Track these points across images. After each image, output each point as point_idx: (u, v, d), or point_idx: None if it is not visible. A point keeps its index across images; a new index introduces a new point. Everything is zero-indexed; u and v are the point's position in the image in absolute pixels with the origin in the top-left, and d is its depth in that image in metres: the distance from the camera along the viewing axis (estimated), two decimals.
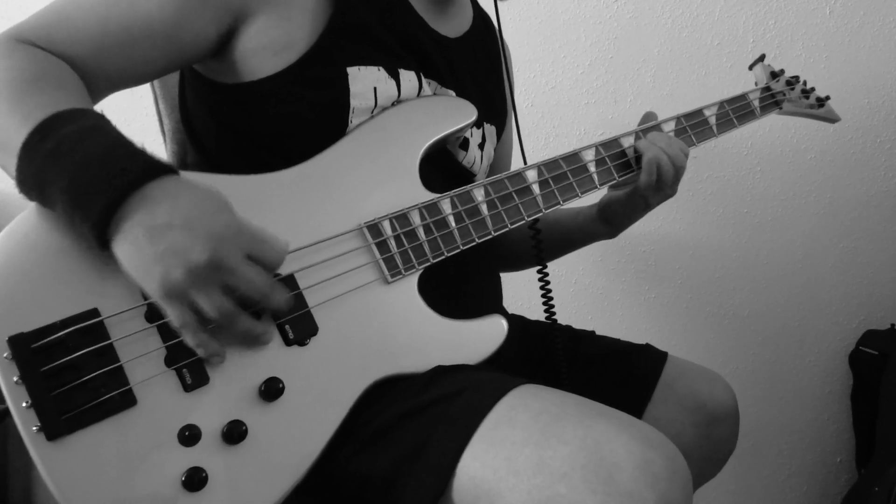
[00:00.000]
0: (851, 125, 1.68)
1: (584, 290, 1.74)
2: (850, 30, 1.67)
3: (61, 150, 0.65)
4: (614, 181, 0.99)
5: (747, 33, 1.66)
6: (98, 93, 0.79)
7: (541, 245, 1.03)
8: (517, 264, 1.19)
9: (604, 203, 1.08)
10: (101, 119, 0.70)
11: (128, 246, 0.65)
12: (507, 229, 0.90)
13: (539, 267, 1.04)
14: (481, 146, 1.01)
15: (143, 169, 0.66)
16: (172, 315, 0.67)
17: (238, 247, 0.67)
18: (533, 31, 1.64)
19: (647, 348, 1.08)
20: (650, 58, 1.67)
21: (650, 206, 1.03)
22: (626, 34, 1.66)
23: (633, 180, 1.00)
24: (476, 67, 1.03)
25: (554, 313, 1.02)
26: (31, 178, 0.67)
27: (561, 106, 1.67)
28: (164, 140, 1.10)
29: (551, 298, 1.02)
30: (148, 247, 0.64)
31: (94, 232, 0.65)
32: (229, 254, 0.65)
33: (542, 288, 1.03)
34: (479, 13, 1.08)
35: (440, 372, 0.80)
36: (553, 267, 1.11)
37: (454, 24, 1.00)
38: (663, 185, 0.99)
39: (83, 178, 0.64)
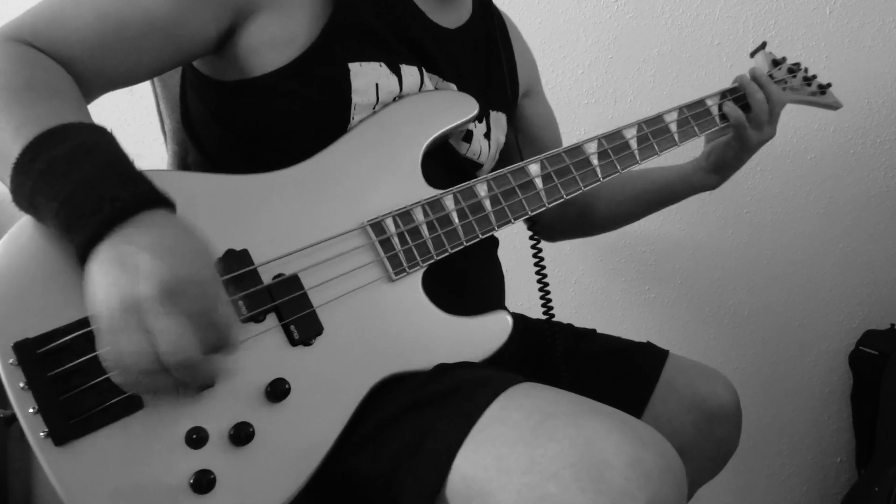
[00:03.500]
0: (851, 125, 1.68)
1: (585, 290, 1.74)
2: (850, 30, 1.67)
3: (52, 172, 0.63)
4: (615, 172, 1.00)
5: (747, 33, 1.66)
6: (94, 91, 0.78)
7: (538, 242, 1.03)
8: (612, 224, 1.28)
9: (708, 151, 1.14)
10: (95, 134, 0.67)
11: (96, 265, 0.61)
12: (510, 224, 0.90)
13: (536, 265, 1.04)
14: (487, 135, 1.00)
15: (134, 200, 0.63)
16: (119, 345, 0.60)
17: (195, 298, 0.60)
18: (533, 31, 1.64)
19: (648, 346, 1.07)
20: (650, 58, 1.67)
21: (754, 147, 1.11)
22: (626, 34, 1.66)
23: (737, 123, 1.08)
24: (477, 57, 1.02)
25: (552, 308, 1.02)
26: (24, 198, 0.65)
27: (561, 106, 1.66)
28: (165, 140, 1.09)
29: (549, 293, 1.02)
30: (109, 269, 0.60)
31: (80, 254, 0.62)
32: (184, 298, 0.59)
33: (539, 282, 1.03)
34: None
35: (440, 369, 0.80)
36: (553, 267, 1.11)
37: (454, 15, 0.99)
38: (761, 124, 1.09)
39: (73, 202, 0.62)
